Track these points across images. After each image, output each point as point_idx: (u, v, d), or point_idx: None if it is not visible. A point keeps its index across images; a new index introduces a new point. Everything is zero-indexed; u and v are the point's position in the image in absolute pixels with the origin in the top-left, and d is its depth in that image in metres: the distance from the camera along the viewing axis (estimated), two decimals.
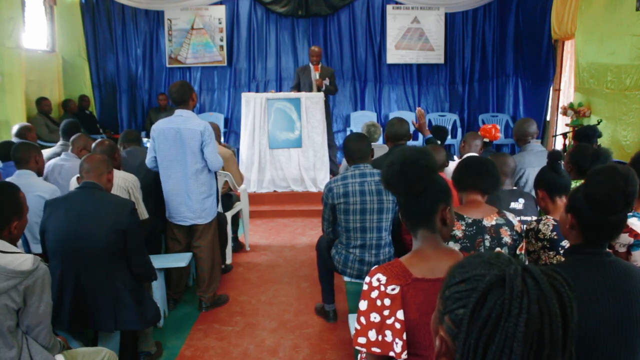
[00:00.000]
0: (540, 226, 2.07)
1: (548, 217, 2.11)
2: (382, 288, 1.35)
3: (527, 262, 2.10)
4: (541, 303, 0.70)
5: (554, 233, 2.02)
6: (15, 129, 4.12)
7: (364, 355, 1.71)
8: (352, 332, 2.40)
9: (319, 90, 6.11)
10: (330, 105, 6.80)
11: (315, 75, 6.12)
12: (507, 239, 2.07)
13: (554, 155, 2.23)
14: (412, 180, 1.40)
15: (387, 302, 1.33)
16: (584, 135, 3.51)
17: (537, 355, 0.69)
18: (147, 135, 5.90)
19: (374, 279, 1.38)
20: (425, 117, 3.88)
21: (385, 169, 1.46)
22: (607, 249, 1.48)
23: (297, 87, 6.29)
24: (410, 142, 3.61)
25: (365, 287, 1.39)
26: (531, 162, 3.20)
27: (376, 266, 1.43)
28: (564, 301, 0.72)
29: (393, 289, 1.34)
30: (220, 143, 4.43)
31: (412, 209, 1.45)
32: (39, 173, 3.06)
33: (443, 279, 1.32)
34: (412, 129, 3.89)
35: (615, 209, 1.41)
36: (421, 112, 3.93)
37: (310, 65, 6.19)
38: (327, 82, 6.09)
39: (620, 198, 1.40)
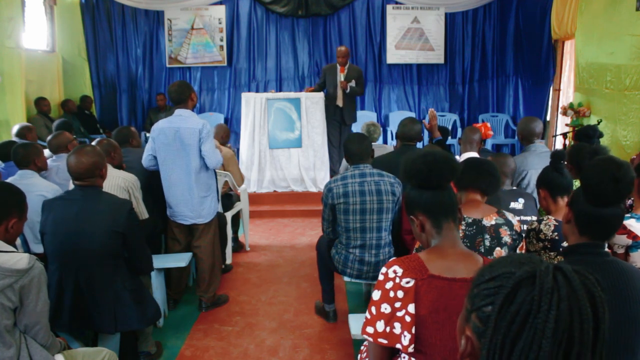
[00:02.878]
0: (542, 226, 2.07)
1: (549, 217, 2.11)
2: (398, 280, 1.35)
3: None
4: (572, 301, 0.69)
5: (555, 233, 2.02)
6: (15, 129, 4.12)
7: (365, 350, 1.71)
8: (352, 332, 2.41)
9: (343, 92, 6.00)
10: (357, 107, 6.65)
11: (340, 77, 5.98)
12: (506, 238, 2.07)
13: (557, 155, 2.23)
14: (447, 171, 1.46)
15: (400, 294, 1.34)
16: (585, 134, 3.49)
17: (566, 354, 0.68)
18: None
19: (390, 270, 1.38)
20: (437, 119, 3.85)
21: (416, 161, 1.48)
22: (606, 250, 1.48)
23: (322, 86, 6.20)
24: (419, 143, 3.57)
25: (381, 277, 1.40)
26: (534, 164, 3.14)
27: (394, 258, 1.44)
28: (595, 301, 0.70)
29: (408, 282, 1.34)
30: (226, 145, 4.43)
31: (439, 200, 1.46)
32: (42, 171, 3.07)
33: (459, 279, 1.35)
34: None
35: (606, 196, 1.41)
36: (433, 114, 3.89)
37: (337, 65, 6.05)
38: (352, 83, 5.95)
39: (610, 184, 1.39)
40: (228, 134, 4.58)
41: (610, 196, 1.41)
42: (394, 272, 1.37)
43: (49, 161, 3.48)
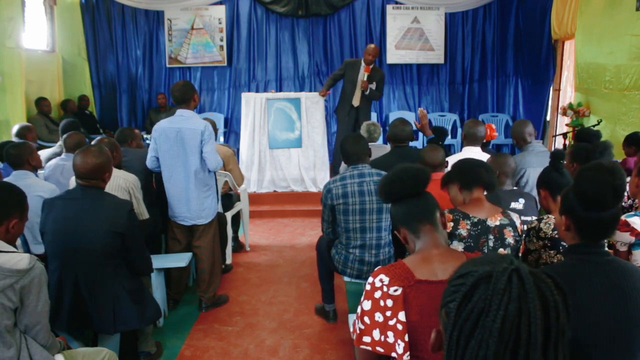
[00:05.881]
0: (542, 225, 2.07)
1: (550, 216, 2.11)
2: (385, 289, 1.35)
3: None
4: (522, 302, 0.69)
5: (555, 232, 2.02)
6: (15, 129, 4.12)
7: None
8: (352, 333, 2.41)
9: (362, 92, 5.67)
10: (372, 110, 6.32)
11: (363, 75, 5.60)
12: (510, 239, 2.07)
13: (556, 155, 2.23)
14: (408, 181, 1.51)
15: (389, 303, 1.34)
16: (584, 140, 3.53)
17: (514, 354, 0.69)
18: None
19: (377, 280, 1.38)
20: (427, 118, 3.84)
21: (381, 181, 1.58)
22: (607, 248, 1.49)
23: (339, 79, 5.87)
24: (412, 143, 3.59)
25: (368, 287, 1.40)
26: (532, 162, 3.18)
27: (380, 267, 1.44)
28: (548, 304, 0.71)
29: (395, 290, 1.34)
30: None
31: (409, 208, 1.51)
32: (37, 170, 3.07)
33: (445, 281, 1.34)
34: (413, 129, 3.87)
35: (606, 204, 1.42)
36: (423, 113, 3.90)
37: (363, 63, 5.65)
38: (373, 86, 5.60)
39: (609, 191, 1.41)
40: (215, 130, 4.47)
41: (611, 202, 1.42)
42: (381, 280, 1.37)
43: (57, 159, 3.48)
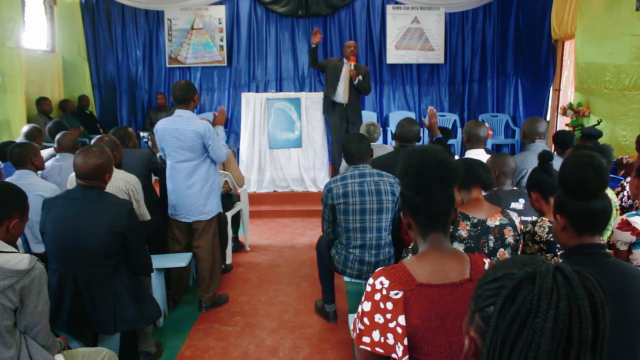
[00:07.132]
0: (536, 228, 2.06)
1: (543, 219, 2.10)
2: (385, 292, 1.33)
3: None
4: (571, 300, 0.69)
5: (550, 235, 2.01)
6: (25, 129, 4.12)
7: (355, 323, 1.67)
8: (352, 331, 2.41)
9: (350, 82, 5.51)
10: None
11: (349, 65, 5.47)
12: (510, 239, 2.07)
13: (544, 156, 2.22)
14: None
15: (389, 306, 1.32)
16: (562, 142, 3.55)
17: (565, 353, 0.69)
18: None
19: (377, 282, 1.36)
20: (436, 117, 3.82)
21: (414, 169, 1.34)
22: (608, 249, 1.49)
23: (319, 65, 5.74)
24: (417, 143, 3.53)
25: (368, 288, 1.38)
26: (533, 163, 3.16)
27: (380, 268, 1.40)
28: (595, 301, 0.71)
29: (396, 294, 1.32)
30: None
31: (426, 210, 1.35)
32: (39, 170, 3.07)
33: (448, 284, 1.34)
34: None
35: (591, 186, 1.43)
36: (433, 112, 3.85)
37: (344, 60, 5.58)
38: (360, 78, 5.48)
39: (590, 171, 1.42)
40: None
41: (596, 185, 1.43)
42: (381, 283, 1.34)
43: (52, 160, 3.48)
